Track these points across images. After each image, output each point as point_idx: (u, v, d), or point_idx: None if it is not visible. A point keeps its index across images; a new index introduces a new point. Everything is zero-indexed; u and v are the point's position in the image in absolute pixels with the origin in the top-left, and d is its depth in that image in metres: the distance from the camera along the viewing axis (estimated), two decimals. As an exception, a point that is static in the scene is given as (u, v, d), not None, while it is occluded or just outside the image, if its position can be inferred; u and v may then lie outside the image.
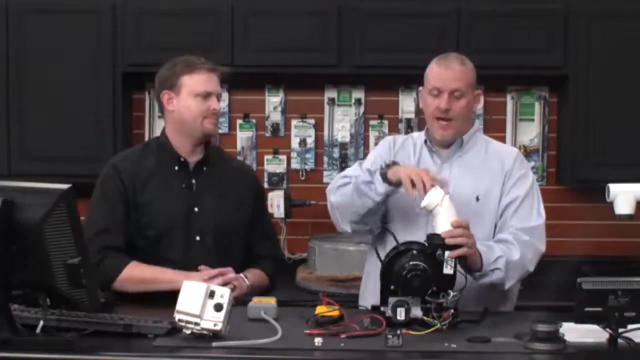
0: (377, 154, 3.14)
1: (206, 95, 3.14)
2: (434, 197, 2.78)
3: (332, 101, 4.68)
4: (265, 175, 4.67)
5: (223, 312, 2.47)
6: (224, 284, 2.88)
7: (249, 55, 4.34)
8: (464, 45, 4.17)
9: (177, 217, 3.14)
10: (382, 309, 2.68)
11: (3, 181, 2.56)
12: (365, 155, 4.23)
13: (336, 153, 4.68)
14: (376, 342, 2.50)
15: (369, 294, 3.04)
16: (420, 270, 2.67)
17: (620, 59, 4.32)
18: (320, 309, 2.67)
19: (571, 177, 4.46)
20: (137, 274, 3.07)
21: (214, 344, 2.43)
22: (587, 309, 2.47)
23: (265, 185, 4.61)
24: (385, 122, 4.67)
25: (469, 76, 3.04)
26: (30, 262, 2.42)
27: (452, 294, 2.67)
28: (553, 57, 4.35)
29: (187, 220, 3.15)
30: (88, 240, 2.69)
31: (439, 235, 2.73)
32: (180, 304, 2.48)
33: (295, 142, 4.69)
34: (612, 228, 4.31)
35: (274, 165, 4.69)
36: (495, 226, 3.02)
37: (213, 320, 2.46)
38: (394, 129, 4.63)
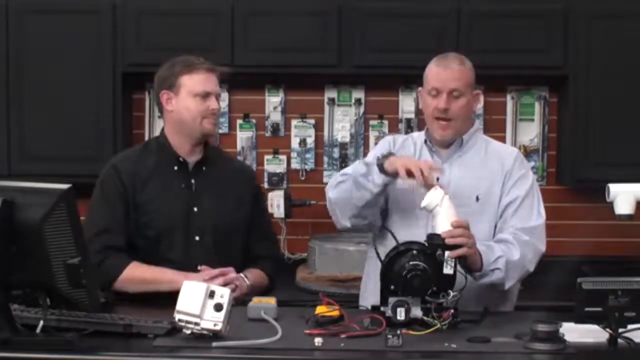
0: (377, 153, 3.13)
1: (205, 95, 3.14)
2: (434, 197, 2.78)
3: (332, 101, 4.69)
4: (265, 175, 4.67)
5: (223, 312, 2.47)
6: (225, 284, 2.88)
7: (249, 55, 4.34)
8: (463, 45, 4.17)
9: (176, 217, 3.14)
10: (382, 309, 2.68)
11: (3, 181, 2.56)
12: (365, 155, 4.22)
13: (336, 153, 4.68)
14: (376, 342, 2.50)
15: (369, 294, 3.04)
16: (420, 270, 2.67)
17: (620, 59, 4.32)
18: (320, 309, 2.67)
19: (571, 177, 4.46)
20: (137, 275, 3.07)
21: (214, 344, 2.43)
22: (587, 309, 2.47)
23: (265, 185, 4.62)
24: (385, 122, 4.67)
25: (468, 76, 3.04)
26: (30, 262, 2.42)
27: (452, 294, 2.67)
28: (553, 57, 4.35)
29: (187, 220, 3.15)
30: (88, 240, 2.69)
31: (439, 235, 2.73)
32: (180, 304, 2.48)
33: (295, 142, 4.69)
34: (612, 228, 4.31)
35: (274, 165, 4.69)
36: (495, 226, 3.02)
37: (213, 320, 2.46)
38: (394, 129, 4.62)
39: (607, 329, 2.49)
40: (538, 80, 4.62)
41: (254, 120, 4.69)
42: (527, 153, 4.59)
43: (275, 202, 4.50)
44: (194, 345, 2.45)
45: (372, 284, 2.99)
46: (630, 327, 2.49)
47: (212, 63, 3.20)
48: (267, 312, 2.70)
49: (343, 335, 2.54)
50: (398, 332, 2.46)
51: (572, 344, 2.46)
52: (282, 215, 4.51)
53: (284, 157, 4.69)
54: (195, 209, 3.17)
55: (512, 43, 4.31)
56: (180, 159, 3.19)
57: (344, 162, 4.60)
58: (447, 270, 2.69)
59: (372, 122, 4.68)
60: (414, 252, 2.72)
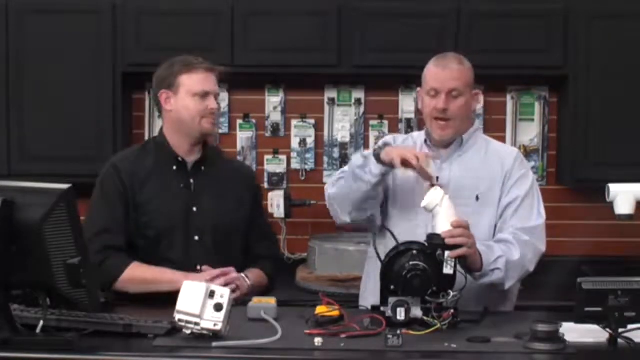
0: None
1: (204, 95, 3.14)
2: (434, 197, 2.78)
3: (332, 101, 4.69)
4: (265, 175, 4.67)
5: (223, 312, 2.47)
6: (226, 284, 2.88)
7: (249, 55, 4.34)
8: (463, 45, 4.17)
9: (176, 217, 3.14)
10: (382, 309, 2.68)
11: (3, 181, 2.56)
12: (365, 155, 4.24)
13: (336, 153, 4.67)
14: (376, 342, 2.49)
15: (369, 294, 3.04)
16: (420, 270, 2.67)
17: (620, 59, 4.32)
18: (320, 309, 2.67)
19: (571, 177, 4.46)
20: (138, 275, 3.07)
21: (214, 344, 2.43)
22: (587, 309, 2.47)
23: (265, 185, 4.62)
24: (385, 122, 4.67)
25: (467, 76, 3.04)
26: (30, 262, 2.42)
27: (452, 294, 2.67)
28: (553, 57, 4.35)
29: (186, 220, 3.15)
30: (88, 240, 2.69)
31: (439, 235, 2.72)
32: (180, 304, 2.48)
33: (295, 142, 4.69)
34: (612, 228, 4.31)
35: (274, 165, 4.69)
36: (495, 226, 3.02)
37: (213, 320, 2.46)
38: (394, 129, 4.62)
39: (607, 329, 2.49)
40: (538, 80, 4.62)
41: (254, 120, 4.69)
42: (527, 153, 4.59)
43: (275, 202, 4.50)
44: (194, 345, 2.45)
45: (372, 284, 2.99)
46: (630, 327, 2.49)
47: (211, 63, 3.20)
48: (267, 312, 2.70)
49: (343, 335, 2.54)
50: (398, 332, 2.46)
51: (572, 344, 2.46)
52: (282, 215, 4.51)
53: (284, 157, 4.69)
54: (195, 209, 3.17)
55: (512, 43, 4.31)
56: (179, 159, 3.19)
57: (344, 162, 4.59)
58: (447, 270, 2.69)
59: (372, 122, 4.68)
60: (414, 252, 2.72)
